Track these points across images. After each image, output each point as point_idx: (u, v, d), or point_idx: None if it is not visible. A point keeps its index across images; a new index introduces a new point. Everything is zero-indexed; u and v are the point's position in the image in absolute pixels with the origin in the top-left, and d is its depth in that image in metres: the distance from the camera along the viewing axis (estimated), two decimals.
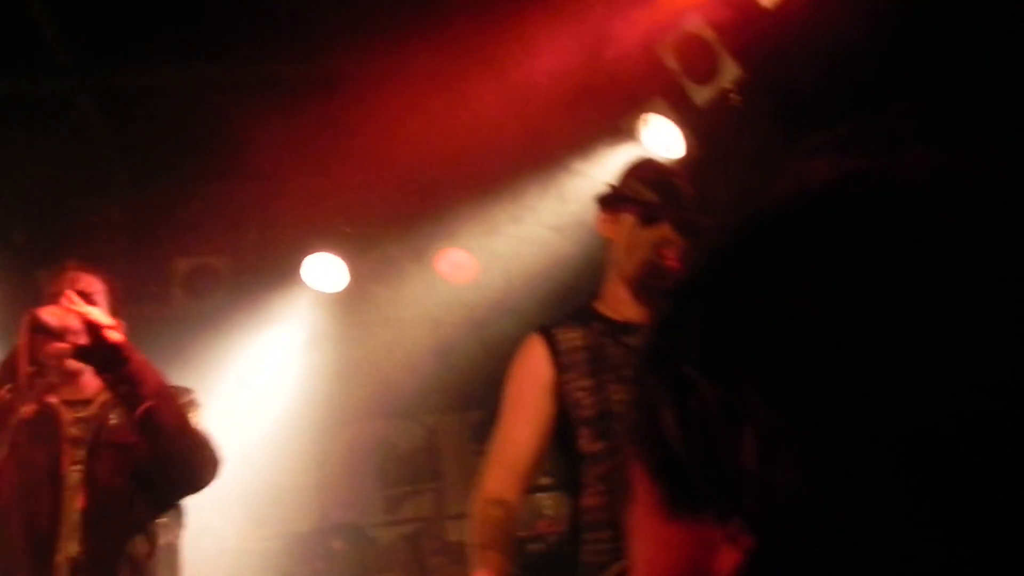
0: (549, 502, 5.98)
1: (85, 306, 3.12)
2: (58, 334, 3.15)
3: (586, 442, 3.10)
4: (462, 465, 6.29)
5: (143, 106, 5.28)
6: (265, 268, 5.92)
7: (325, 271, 5.94)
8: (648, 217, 3.10)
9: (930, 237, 0.58)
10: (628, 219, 3.13)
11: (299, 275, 5.90)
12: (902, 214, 0.59)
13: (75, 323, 3.14)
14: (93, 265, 3.46)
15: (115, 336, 3.09)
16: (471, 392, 6.26)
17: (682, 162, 4.67)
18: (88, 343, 3.08)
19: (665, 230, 3.10)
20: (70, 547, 3.20)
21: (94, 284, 3.36)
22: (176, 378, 3.39)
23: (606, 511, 3.08)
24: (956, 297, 0.56)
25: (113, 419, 3.32)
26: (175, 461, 3.25)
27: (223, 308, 5.89)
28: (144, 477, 3.30)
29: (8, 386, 3.18)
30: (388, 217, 5.86)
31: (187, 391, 3.47)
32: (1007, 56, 3.54)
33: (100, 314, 3.13)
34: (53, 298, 3.24)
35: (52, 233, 5.56)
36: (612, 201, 3.19)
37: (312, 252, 5.88)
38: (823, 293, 0.57)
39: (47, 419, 3.29)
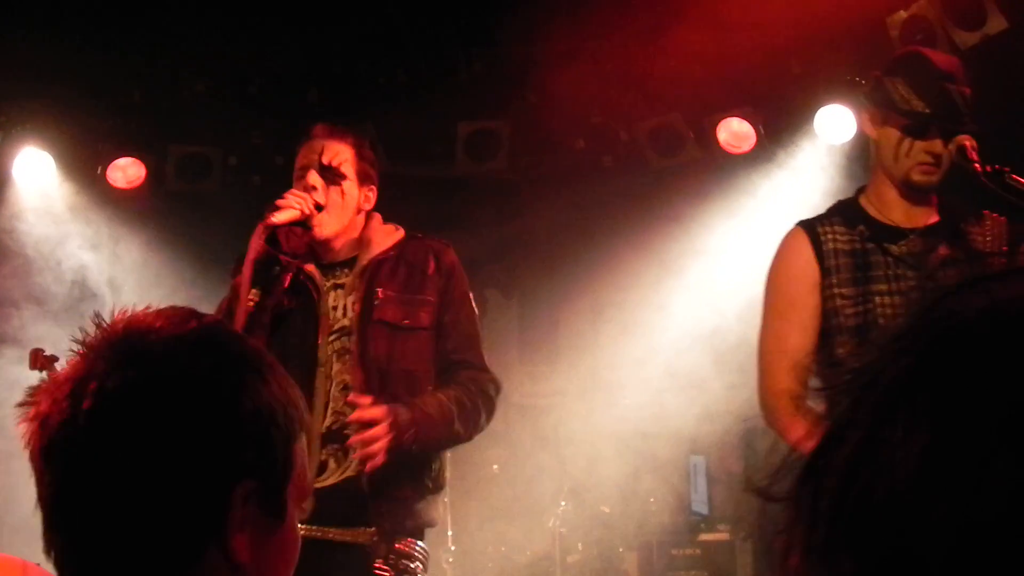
0: None
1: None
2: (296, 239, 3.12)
3: (845, 351, 3.00)
4: None
5: None
6: (542, 133, 5.91)
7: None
8: (917, 132, 2.90)
9: None
10: (895, 127, 2.94)
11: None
12: None
13: (309, 206, 3.10)
14: (341, 128, 3.32)
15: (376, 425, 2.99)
16: None
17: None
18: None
19: (934, 145, 2.90)
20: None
21: (341, 153, 3.22)
22: (454, 242, 3.33)
23: None
24: None
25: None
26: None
27: (503, 172, 5.95)
28: None
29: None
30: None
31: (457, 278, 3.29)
32: None
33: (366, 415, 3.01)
34: (300, 173, 3.21)
35: (343, 93, 5.77)
36: (880, 103, 2.98)
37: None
38: None
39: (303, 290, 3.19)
